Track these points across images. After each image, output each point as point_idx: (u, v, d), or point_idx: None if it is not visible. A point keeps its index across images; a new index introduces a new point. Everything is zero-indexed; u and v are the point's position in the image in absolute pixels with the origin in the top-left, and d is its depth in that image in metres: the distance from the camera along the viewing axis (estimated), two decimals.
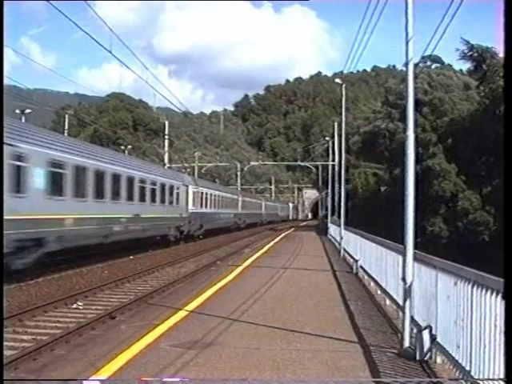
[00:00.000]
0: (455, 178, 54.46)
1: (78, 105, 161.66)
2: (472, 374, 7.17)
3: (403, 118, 10.70)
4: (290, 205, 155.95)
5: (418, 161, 11.56)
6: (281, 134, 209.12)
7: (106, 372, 8.33)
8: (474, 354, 7.17)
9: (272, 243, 44.94)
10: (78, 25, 19.40)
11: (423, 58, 55.67)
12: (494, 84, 48.90)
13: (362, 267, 21.88)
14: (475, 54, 50.72)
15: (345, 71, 39.14)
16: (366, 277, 20.39)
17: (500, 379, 5.72)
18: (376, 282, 17.41)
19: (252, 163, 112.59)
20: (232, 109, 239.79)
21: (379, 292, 16.50)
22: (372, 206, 61.65)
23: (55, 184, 23.57)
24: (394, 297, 13.38)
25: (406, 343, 9.74)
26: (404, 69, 10.83)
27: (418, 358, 9.08)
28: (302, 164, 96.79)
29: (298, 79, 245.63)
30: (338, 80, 43.61)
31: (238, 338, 10.82)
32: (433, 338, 8.99)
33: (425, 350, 9.05)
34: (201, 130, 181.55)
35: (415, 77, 11.19)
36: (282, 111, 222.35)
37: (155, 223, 36.69)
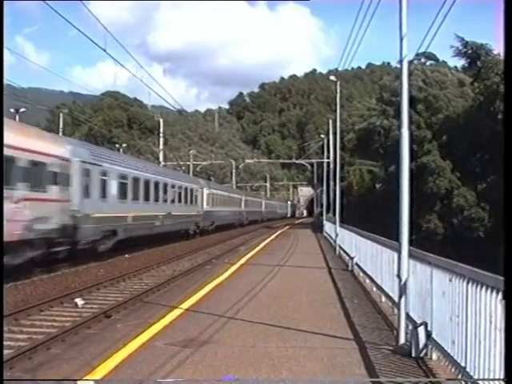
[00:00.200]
0: (450, 175, 54.55)
1: (73, 103, 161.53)
2: (467, 370, 7.19)
3: (398, 115, 10.71)
4: (289, 203, 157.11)
5: (412, 158, 11.59)
6: (276, 131, 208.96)
7: (101, 371, 8.33)
8: (469, 350, 7.19)
9: (267, 241, 44.93)
10: (72, 23, 19.33)
11: (418, 55, 55.71)
12: (489, 80, 49.04)
13: (357, 264, 21.90)
14: (469, 51, 50.89)
15: (339, 68, 39.16)
16: (361, 274, 20.40)
17: (500, 379, 5.73)
18: (371, 279, 17.43)
19: (247, 161, 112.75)
20: (227, 107, 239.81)
21: (375, 289, 16.51)
22: (367, 203, 61.72)
23: (122, 191, 32.36)
24: (390, 294, 13.40)
25: (402, 340, 9.76)
26: (398, 66, 10.83)
27: (413, 354, 9.10)
28: (297, 161, 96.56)
29: (293, 77, 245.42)
30: (332, 77, 43.64)
31: (234, 335, 10.82)
32: (428, 335, 9.01)
33: (420, 346, 9.07)
34: (196, 128, 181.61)
35: (410, 74, 11.21)
36: (276, 109, 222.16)
37: (181, 219, 45.00)
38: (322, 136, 64.31)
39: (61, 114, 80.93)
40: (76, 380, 7.93)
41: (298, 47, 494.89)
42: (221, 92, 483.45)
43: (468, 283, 7.31)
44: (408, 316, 9.99)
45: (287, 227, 77.01)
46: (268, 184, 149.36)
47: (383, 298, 14.68)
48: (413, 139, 13.35)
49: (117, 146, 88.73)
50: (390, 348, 9.82)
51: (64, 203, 24.63)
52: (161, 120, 72.93)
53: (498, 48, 51.18)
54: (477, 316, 6.90)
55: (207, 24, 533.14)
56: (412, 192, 10.24)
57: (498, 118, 46.91)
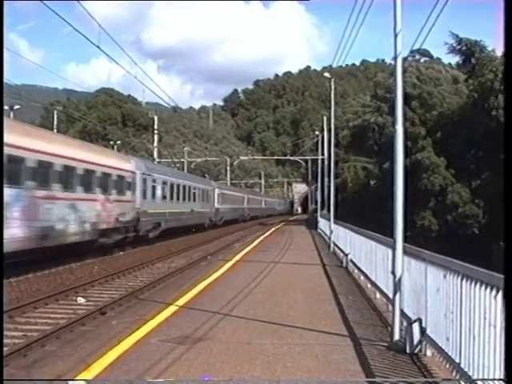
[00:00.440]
0: (444, 172, 54.55)
1: (67, 100, 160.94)
2: (462, 366, 7.21)
3: (392, 111, 10.71)
4: (287, 200, 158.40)
5: (407, 154, 11.61)
6: (270, 128, 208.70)
7: (96, 368, 8.32)
8: (463, 346, 7.21)
9: (262, 238, 44.93)
10: (66, 20, 19.31)
11: (412, 51, 55.85)
12: (483, 77, 49.06)
13: (351, 261, 21.93)
14: (464, 48, 50.89)
15: (334, 65, 39.34)
16: (355, 271, 20.43)
17: (500, 379, 5.75)
18: (366, 275, 17.46)
19: (241, 158, 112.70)
20: (221, 103, 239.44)
21: (369, 286, 16.54)
22: (361, 200, 61.71)
23: (164, 193, 42.85)
24: (384, 290, 13.42)
25: (396, 336, 9.79)
26: (393, 63, 10.85)
27: (408, 350, 9.12)
28: (292, 158, 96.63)
29: (287, 73, 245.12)
30: (326, 74, 43.63)
31: (229, 332, 10.84)
32: (422, 331, 9.02)
33: (415, 342, 9.09)
34: (190, 124, 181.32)
35: (404, 71, 11.24)
36: (271, 106, 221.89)
37: (200, 215, 56.06)
38: (317, 133, 64.32)
39: (55, 111, 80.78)
40: (67, 380, 7.92)
41: (293, 44, 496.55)
42: (215, 89, 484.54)
43: (462, 280, 7.32)
44: (402, 312, 10.02)
45: (282, 224, 77.05)
46: (263, 181, 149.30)
47: (378, 295, 14.71)
48: (407, 136, 13.38)
49: (111, 143, 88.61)
50: (385, 344, 9.85)
51: (132, 203, 34.81)
52: (155, 117, 72.83)
53: (497, 47, 51.39)
54: (471, 312, 6.92)
55: (202, 21, 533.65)
56: (406, 189, 10.26)
57: (492, 115, 46.99)
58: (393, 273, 9.93)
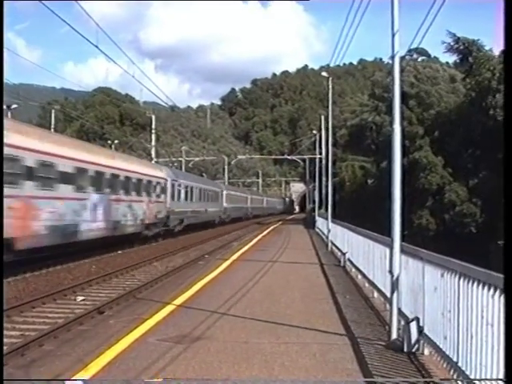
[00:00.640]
0: (442, 171, 54.60)
1: (65, 100, 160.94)
2: (459, 365, 7.22)
3: (390, 110, 10.73)
4: (287, 199, 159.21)
5: (404, 154, 11.62)
6: (268, 127, 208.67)
7: (94, 367, 8.33)
8: (461, 345, 7.22)
9: (260, 237, 44.97)
10: (64, 19, 19.29)
11: (410, 50, 55.86)
12: (480, 76, 49.10)
13: (349, 260, 21.94)
14: (461, 47, 50.89)
15: (331, 64, 39.46)
16: (353, 270, 20.45)
17: (500, 379, 5.75)
18: (363, 274, 17.47)
19: (239, 157, 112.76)
20: (219, 103, 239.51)
21: (367, 285, 16.55)
22: (359, 199, 61.78)
23: (186, 195, 50.30)
24: (382, 289, 13.43)
25: (394, 335, 9.79)
26: (390, 62, 10.86)
27: (405, 349, 9.13)
28: (289, 157, 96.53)
29: (285, 73, 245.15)
30: (324, 73, 43.76)
31: (227, 331, 10.84)
32: (420, 330, 9.04)
33: (412, 341, 9.10)
34: (188, 124, 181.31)
35: (402, 70, 11.23)
36: (268, 105, 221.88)
37: (211, 213, 64.20)
38: (314, 132, 64.37)
39: (52, 111, 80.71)
40: (64, 380, 7.91)
41: (290, 43, 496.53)
42: (213, 88, 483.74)
43: (460, 278, 7.33)
44: (400, 311, 10.02)
45: (279, 223, 77.09)
46: (260, 180, 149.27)
47: (375, 294, 14.72)
48: (405, 135, 13.37)
49: (109, 142, 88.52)
50: (383, 343, 9.85)
51: (164, 203, 42.89)
52: (153, 116, 72.72)
53: (494, 46, 51.45)
54: (468, 311, 6.92)
55: (199, 20, 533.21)
56: (404, 188, 10.26)
57: (489, 114, 47.03)
58: (390, 272, 9.93)
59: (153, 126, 70.94)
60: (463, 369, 7.06)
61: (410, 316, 9.54)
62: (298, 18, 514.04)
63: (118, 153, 53.11)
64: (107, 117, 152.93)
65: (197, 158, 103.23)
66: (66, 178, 25.51)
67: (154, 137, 70.39)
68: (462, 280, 7.26)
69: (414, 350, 9.10)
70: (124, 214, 33.59)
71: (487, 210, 48.62)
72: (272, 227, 63.67)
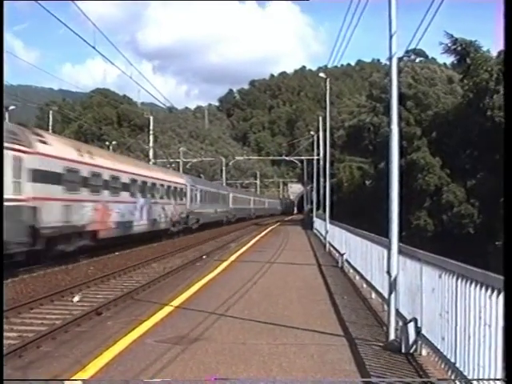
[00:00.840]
0: (440, 172, 54.64)
1: (63, 101, 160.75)
2: (457, 366, 7.22)
3: (388, 111, 10.72)
4: (288, 201, 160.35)
5: (402, 154, 11.62)
6: (265, 128, 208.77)
7: (92, 368, 8.33)
8: (458, 346, 7.21)
9: (258, 237, 44.98)
10: (61, 21, 19.31)
11: (407, 51, 56.00)
12: (478, 77, 49.13)
13: (347, 261, 21.94)
14: (459, 48, 50.90)
15: (329, 65, 39.35)
16: (351, 270, 20.45)
17: (500, 379, 5.75)
18: (361, 275, 17.47)
19: (237, 158, 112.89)
20: (217, 104, 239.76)
21: (365, 285, 16.56)
22: (357, 200, 61.78)
23: (201, 198, 58.05)
24: (380, 290, 13.44)
25: (392, 336, 9.80)
26: (388, 63, 10.86)
27: (403, 350, 9.14)
28: (287, 158, 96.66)
29: (283, 74, 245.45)
30: (322, 74, 43.63)
31: (225, 332, 10.84)
32: (418, 331, 9.04)
33: (410, 342, 9.10)
34: (185, 125, 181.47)
35: (399, 71, 11.24)
36: (266, 106, 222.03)
37: (221, 214, 72.19)
38: (312, 133, 64.35)
39: (50, 112, 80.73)
40: (63, 380, 7.91)
41: (288, 44, 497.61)
42: (211, 89, 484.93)
43: (458, 279, 7.33)
44: (398, 312, 10.03)
45: (277, 224, 77.14)
46: (258, 181, 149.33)
47: (373, 295, 14.73)
48: (402, 136, 13.40)
49: (106, 143, 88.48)
50: (380, 344, 9.86)
51: (185, 205, 51.52)
52: (151, 117, 72.79)
53: (492, 47, 51.46)
54: (466, 312, 6.93)
55: (197, 21, 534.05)
56: (402, 189, 10.27)
57: (487, 115, 47.07)
58: (388, 273, 9.93)
59: (151, 127, 70.97)
60: (461, 369, 7.06)
61: (408, 317, 9.54)
62: (296, 19, 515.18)
63: (154, 166, 61.76)
64: (105, 118, 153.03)
65: (195, 159, 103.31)
66: (125, 187, 34.98)
67: (151, 138, 70.46)
68: (459, 281, 7.26)
69: (411, 351, 9.10)
70: (159, 213, 42.79)
71: (485, 211, 48.64)
72: (270, 228, 63.71)
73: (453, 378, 7.41)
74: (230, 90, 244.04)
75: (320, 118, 50.47)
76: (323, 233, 37.05)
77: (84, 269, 24.76)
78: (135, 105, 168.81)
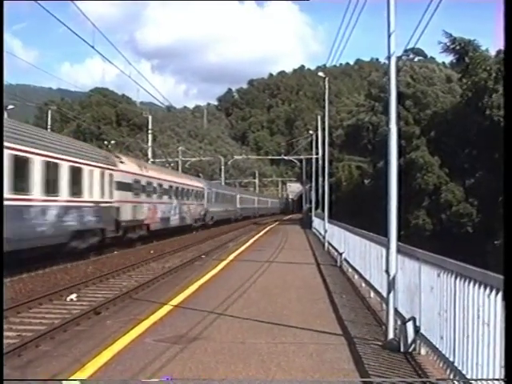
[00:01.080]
0: (438, 171, 54.66)
1: (61, 100, 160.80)
2: (455, 365, 7.23)
3: (386, 110, 10.72)
4: (290, 200, 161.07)
5: (401, 154, 11.63)
6: (264, 127, 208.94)
7: (91, 367, 8.32)
8: (457, 344, 7.22)
9: (256, 237, 44.95)
10: (60, 20, 19.29)
11: (406, 51, 56.06)
12: (477, 76, 49.14)
13: (346, 260, 21.94)
14: (457, 47, 50.89)
15: (328, 65, 39.34)
16: (350, 270, 20.45)
17: (500, 379, 5.75)
18: (360, 274, 17.47)
19: (236, 157, 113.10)
20: (215, 103, 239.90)
21: (363, 285, 16.56)
22: (356, 199, 61.79)
23: (216, 199, 69.72)
24: (378, 289, 13.44)
25: (390, 335, 9.80)
26: (387, 62, 10.85)
27: (402, 349, 9.14)
28: (286, 158, 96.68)
29: (282, 73, 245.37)
30: (321, 73, 43.68)
31: (224, 331, 10.84)
32: (417, 330, 9.04)
33: (409, 341, 9.10)
34: (184, 124, 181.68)
35: (398, 70, 11.25)
36: (265, 105, 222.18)
37: (230, 212, 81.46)
38: (311, 132, 64.29)
39: (49, 111, 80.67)
40: (61, 380, 7.90)
41: (287, 44, 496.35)
42: (209, 88, 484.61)
43: (456, 278, 7.34)
44: (396, 311, 10.03)
45: (276, 223, 77.11)
46: (257, 180, 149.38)
47: (372, 294, 14.73)
48: (401, 135, 13.40)
49: (105, 142, 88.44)
50: (379, 343, 9.86)
51: (203, 206, 61.51)
52: (149, 117, 72.87)
53: (491, 46, 51.49)
54: (465, 311, 6.93)
55: (196, 21, 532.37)
56: (400, 188, 10.27)
57: (486, 114, 47.09)
58: (387, 272, 9.93)
59: (149, 127, 71.10)
60: (459, 368, 7.07)
61: (407, 316, 9.55)
62: (295, 18, 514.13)
63: (182, 173, 72.85)
64: (104, 117, 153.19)
65: (193, 159, 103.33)
66: (165, 192, 46.36)
67: (150, 137, 70.58)
68: (458, 280, 7.27)
69: (410, 350, 9.11)
70: (186, 212, 53.27)
71: (484, 210, 48.69)
72: (269, 227, 63.64)
73: (451, 377, 7.42)
74: (229, 90, 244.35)
75: (319, 117, 50.55)
76: (322, 232, 37.04)
77: (83, 268, 24.78)
78: (134, 104, 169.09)
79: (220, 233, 54.92)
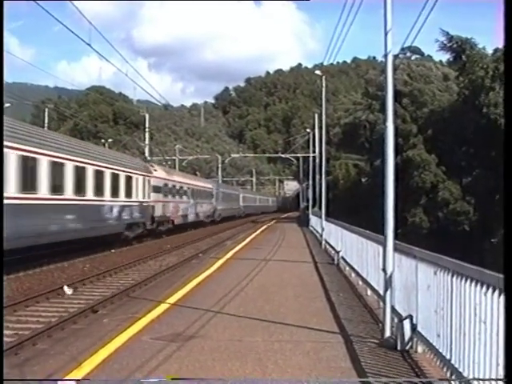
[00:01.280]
0: (435, 169, 54.66)
1: (58, 98, 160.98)
2: (452, 362, 7.24)
3: (383, 109, 10.72)
4: (290, 199, 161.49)
5: (398, 152, 11.64)
6: (261, 126, 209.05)
7: (88, 365, 8.32)
8: (454, 342, 7.23)
9: (254, 235, 44.97)
10: (56, 18, 19.25)
11: (403, 49, 55.83)
12: (474, 75, 49.16)
13: (343, 258, 21.94)
14: (454, 45, 50.92)
15: (325, 63, 39.30)
16: (347, 268, 20.45)
17: (500, 379, 5.75)
18: (357, 272, 17.47)
19: (233, 155, 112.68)
20: (212, 101, 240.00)
21: (360, 283, 16.57)
22: (353, 197, 61.78)
23: (223, 198, 78.24)
24: (375, 287, 13.45)
25: (387, 333, 9.80)
26: (384, 60, 10.86)
27: (399, 347, 9.15)
28: (283, 156, 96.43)
29: (279, 71, 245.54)
30: (318, 72, 43.75)
31: (221, 330, 10.84)
32: (413, 328, 9.05)
33: (406, 339, 9.11)
34: (181, 122, 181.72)
35: (395, 68, 11.26)
36: (262, 103, 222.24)
37: (234, 210, 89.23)
38: (308, 130, 64.25)
39: (46, 109, 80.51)
40: (57, 380, 7.89)
41: (284, 41, 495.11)
42: (206, 86, 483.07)
43: (453, 276, 7.34)
44: (393, 309, 10.04)
45: (273, 221, 77.14)
46: (254, 178, 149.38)
47: (369, 292, 14.74)
48: (398, 133, 13.40)
49: (102, 141, 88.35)
50: (376, 341, 9.87)
51: (212, 204, 69.90)
52: (146, 115, 72.73)
53: (488, 44, 51.55)
54: (461, 309, 6.94)
55: (193, 18, 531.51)
56: (397, 186, 10.27)
57: (482, 112, 47.10)
58: (384, 270, 9.94)
59: (146, 125, 70.97)
60: (456, 366, 7.08)
61: (404, 314, 9.56)
62: (292, 16, 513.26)
63: (197, 176, 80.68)
64: (101, 115, 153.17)
65: (190, 157, 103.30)
66: (184, 193, 54.94)
67: (147, 135, 70.49)
68: (454, 278, 7.27)
69: (407, 348, 9.12)
70: (199, 209, 62.25)
71: (480, 208, 48.73)
72: (266, 226, 63.68)
73: (448, 374, 7.43)
74: (226, 88, 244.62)
75: (316, 116, 50.44)
76: (319, 230, 37.07)
77: (80, 266, 24.79)
78: (131, 102, 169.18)
79: (218, 231, 54.92)
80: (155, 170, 44.72)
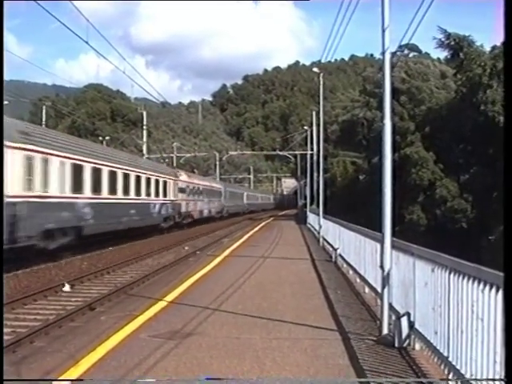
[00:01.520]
0: (433, 166, 54.73)
1: (56, 96, 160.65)
2: (450, 360, 7.24)
3: (381, 106, 10.70)
4: (285, 196, 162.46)
5: (395, 149, 11.63)
6: (259, 123, 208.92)
7: (85, 363, 8.31)
8: (451, 340, 7.23)
9: (251, 232, 44.96)
10: (54, 16, 19.22)
11: (401, 46, 55.80)
12: (471, 72, 49.18)
13: (340, 255, 21.96)
14: (452, 43, 50.95)
15: (323, 60, 39.22)
16: (344, 265, 20.46)
17: (500, 379, 5.76)
18: (355, 270, 17.48)
19: (231, 153, 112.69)
20: (210, 99, 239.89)
21: (358, 280, 16.57)
22: (351, 195, 61.85)
23: (230, 196, 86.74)
24: (373, 284, 13.45)
25: (385, 330, 9.81)
26: (381, 57, 10.85)
27: (396, 344, 9.14)
28: (281, 153, 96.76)
29: (276, 68, 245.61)
30: (315, 69, 43.68)
31: (218, 327, 10.83)
32: (411, 325, 9.05)
33: (403, 336, 9.11)
34: (179, 120, 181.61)
35: (392, 66, 11.24)
36: (260, 101, 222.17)
37: (239, 207, 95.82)
38: (306, 128, 64.29)
39: (44, 107, 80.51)
40: (51, 380, 7.87)
41: (282, 39, 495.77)
42: (204, 84, 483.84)
43: (450, 273, 7.34)
44: (391, 306, 10.04)
45: (271, 219, 77.19)
46: (252, 176, 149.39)
47: (366, 289, 14.74)
48: (396, 131, 13.39)
49: (100, 138, 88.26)
50: (374, 338, 9.87)
51: (221, 202, 78.52)
52: (144, 112, 72.73)
53: (485, 42, 51.55)
54: (459, 306, 6.94)
55: (190, 16, 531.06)
56: (395, 183, 10.27)
57: (480, 109, 47.14)
58: (381, 267, 9.94)
59: (144, 122, 70.99)
60: (454, 363, 7.08)
61: (401, 311, 9.56)
62: (289, 14, 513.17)
63: (208, 177, 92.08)
64: (98, 113, 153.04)
65: (188, 154, 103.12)
66: (201, 192, 63.36)
67: (145, 133, 70.48)
68: (452, 275, 7.27)
69: (404, 345, 9.11)
70: (211, 206, 70.61)
71: (478, 206, 48.78)
72: (264, 223, 63.67)
73: (446, 371, 7.43)
74: (224, 85, 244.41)
75: (314, 113, 50.48)
76: (317, 227, 37.06)
77: (78, 264, 24.76)
78: (128, 100, 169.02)
79: (216, 228, 55.26)
80: (180, 175, 54.52)
